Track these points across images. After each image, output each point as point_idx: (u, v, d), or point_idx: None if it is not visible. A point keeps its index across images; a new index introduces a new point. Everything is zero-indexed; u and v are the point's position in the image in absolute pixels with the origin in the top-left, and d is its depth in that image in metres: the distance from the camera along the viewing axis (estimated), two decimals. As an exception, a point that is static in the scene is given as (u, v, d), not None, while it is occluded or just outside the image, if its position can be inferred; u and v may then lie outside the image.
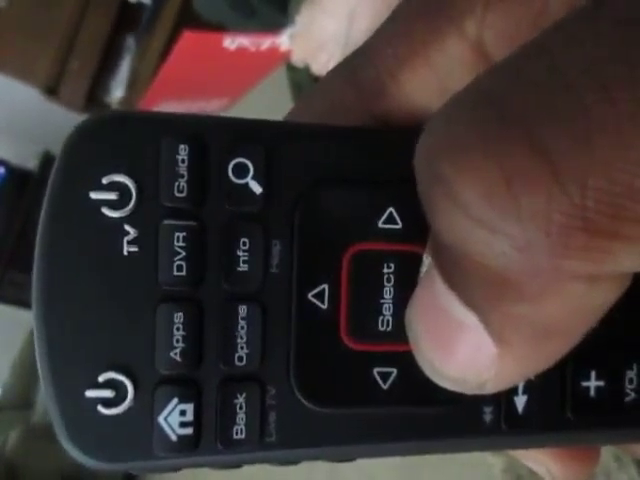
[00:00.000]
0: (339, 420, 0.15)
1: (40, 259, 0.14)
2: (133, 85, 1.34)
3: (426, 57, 0.15)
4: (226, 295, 0.15)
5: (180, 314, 0.14)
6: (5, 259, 1.43)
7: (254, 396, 0.15)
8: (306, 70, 0.77)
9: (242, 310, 0.15)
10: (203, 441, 0.15)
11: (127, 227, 0.14)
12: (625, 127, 0.10)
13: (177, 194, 0.14)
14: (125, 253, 0.14)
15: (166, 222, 0.14)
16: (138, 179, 0.14)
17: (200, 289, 0.15)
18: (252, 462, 0.15)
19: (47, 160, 1.50)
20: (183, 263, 0.14)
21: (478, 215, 0.11)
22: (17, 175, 1.54)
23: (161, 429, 0.15)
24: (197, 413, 0.15)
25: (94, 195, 0.14)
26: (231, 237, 0.15)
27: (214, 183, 0.15)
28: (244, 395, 0.15)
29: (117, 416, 0.14)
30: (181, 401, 0.15)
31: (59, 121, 1.47)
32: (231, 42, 0.75)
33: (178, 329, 0.14)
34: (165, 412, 0.15)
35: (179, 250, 0.14)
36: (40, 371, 0.14)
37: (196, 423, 0.15)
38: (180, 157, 0.14)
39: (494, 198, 0.10)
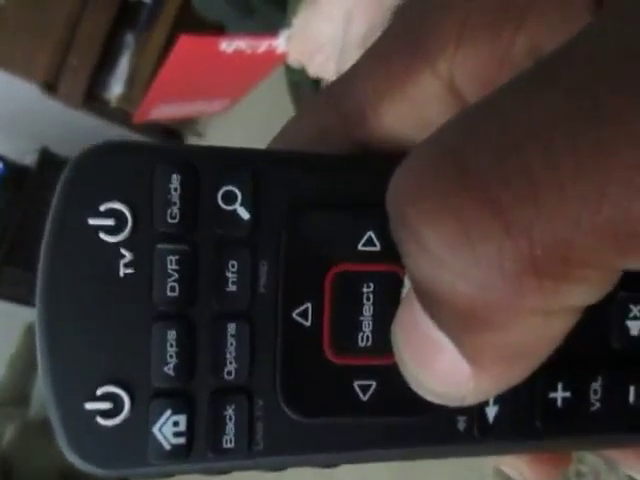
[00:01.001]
0: (322, 430, 0.16)
1: (43, 281, 0.15)
2: (132, 82, 1.34)
3: (403, 92, 0.16)
4: (216, 314, 0.16)
5: (173, 332, 0.15)
6: (2, 255, 1.43)
7: (242, 408, 0.16)
8: (304, 70, 0.77)
9: (231, 327, 0.16)
10: (195, 450, 0.16)
11: (123, 251, 0.15)
12: (567, 188, 0.10)
13: (170, 220, 0.15)
14: (122, 275, 0.15)
15: (160, 246, 0.15)
16: (133, 206, 0.15)
17: (192, 308, 0.16)
18: (241, 469, 0.16)
19: (45, 156, 1.50)
20: (176, 284, 0.15)
21: (441, 259, 0.12)
22: (15, 170, 1.54)
23: (155, 439, 0.15)
24: (189, 424, 0.16)
25: (92, 221, 0.15)
26: (221, 260, 0.15)
27: (205, 209, 0.15)
28: (233, 407, 0.16)
29: (114, 427, 0.15)
30: (174, 413, 0.15)
31: (57, 117, 1.47)
32: (228, 45, 0.75)
33: (171, 345, 0.15)
34: (159, 423, 0.15)
35: (172, 272, 0.15)
36: (43, 384, 0.15)
37: (188, 433, 0.16)
38: (173, 185, 0.15)
39: (454, 245, 0.11)
